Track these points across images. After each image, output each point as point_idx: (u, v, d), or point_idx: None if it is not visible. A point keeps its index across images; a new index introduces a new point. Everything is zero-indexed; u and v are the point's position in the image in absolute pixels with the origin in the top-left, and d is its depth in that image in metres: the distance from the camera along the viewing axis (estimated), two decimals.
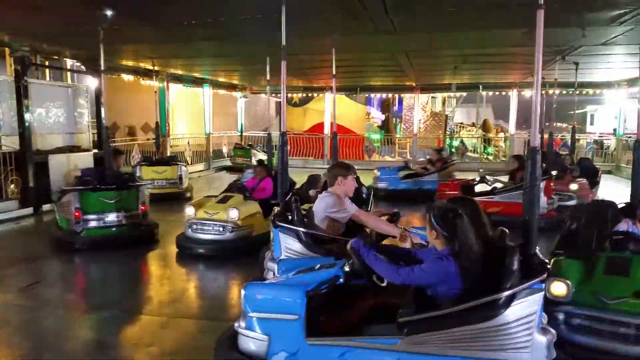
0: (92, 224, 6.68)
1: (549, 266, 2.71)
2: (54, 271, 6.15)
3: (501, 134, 20.51)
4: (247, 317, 2.85)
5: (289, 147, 20.24)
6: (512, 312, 2.53)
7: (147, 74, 13.44)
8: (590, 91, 17.81)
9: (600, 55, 11.22)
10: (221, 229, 6.24)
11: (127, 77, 13.64)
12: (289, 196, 6.31)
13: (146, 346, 3.88)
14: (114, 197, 6.75)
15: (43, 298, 5.03)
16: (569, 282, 3.47)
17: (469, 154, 20.37)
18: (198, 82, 16.67)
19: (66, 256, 6.60)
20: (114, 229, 6.77)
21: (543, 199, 7.74)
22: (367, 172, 11.32)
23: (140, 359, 3.67)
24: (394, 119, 25.81)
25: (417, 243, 3.76)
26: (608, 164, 17.00)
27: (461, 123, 26.88)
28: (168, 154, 13.44)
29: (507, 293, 2.52)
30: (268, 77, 9.24)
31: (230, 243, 6.22)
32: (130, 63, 12.99)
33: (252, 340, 2.84)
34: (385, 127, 24.91)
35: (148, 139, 15.24)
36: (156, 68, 13.13)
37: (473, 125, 25.90)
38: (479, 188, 8.78)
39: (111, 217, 6.75)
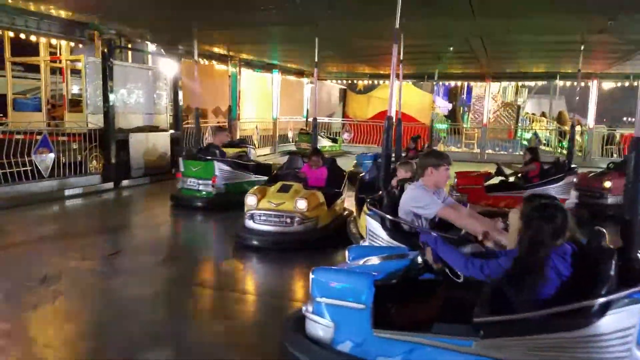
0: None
1: None
2: (133, 241, 6.51)
3: (577, 128, 19.48)
4: (314, 302, 2.79)
5: (352, 134, 20.17)
6: (606, 323, 2.23)
7: (222, 59, 13.85)
8: None
9: None
10: (289, 220, 5.83)
11: (203, 62, 14.11)
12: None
13: (224, 319, 4.02)
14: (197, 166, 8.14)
15: (124, 266, 5.32)
16: None
17: (543, 147, 19.55)
18: (268, 68, 17.00)
19: (145, 229, 7.12)
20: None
21: (574, 193, 7.63)
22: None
23: (219, 330, 3.83)
24: (461, 108, 25.17)
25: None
26: None
27: (533, 114, 25.81)
28: (238, 137, 13.82)
29: (600, 300, 2.24)
30: (316, 59, 8.88)
31: (297, 235, 5.82)
32: (206, 47, 13.43)
33: (319, 325, 2.77)
34: (452, 116, 24.35)
35: (218, 122, 15.71)
36: (230, 53, 13.49)
37: (543, 115, 24.80)
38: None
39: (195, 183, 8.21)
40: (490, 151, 17.88)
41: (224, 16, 9.02)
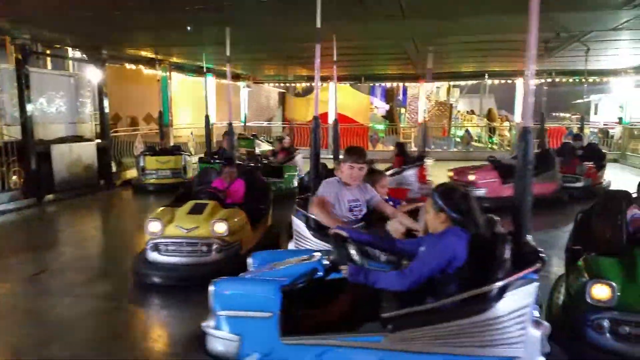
0: None
1: (542, 255, 2.47)
2: (60, 259, 6.05)
3: (506, 123, 20.31)
4: (216, 316, 2.64)
5: (293, 138, 19.90)
6: (504, 305, 2.35)
7: (150, 62, 13.29)
8: (597, 79, 17.61)
9: (610, 42, 11.03)
10: (205, 248, 4.77)
11: (130, 67, 13.49)
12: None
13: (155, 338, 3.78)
14: None
15: (49, 286, 4.98)
16: (613, 284, 3.09)
17: (474, 143, 20.22)
18: (200, 72, 16.50)
19: (71, 245, 6.64)
20: None
21: (416, 185, 8.21)
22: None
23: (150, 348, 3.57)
24: (399, 108, 25.62)
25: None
26: (613, 152, 16.85)
27: (467, 111, 26.65)
28: (171, 144, 13.34)
29: (498, 284, 2.34)
30: (227, 52, 8.75)
31: (216, 266, 4.63)
32: (132, 52, 12.85)
33: (222, 340, 2.61)
34: (389, 116, 24.72)
35: (151, 130, 15.12)
36: (158, 57, 12.98)
37: (472, 112, 25.66)
38: None
39: None
40: (426, 149, 18.23)
41: (149, 17, 8.60)
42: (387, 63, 14.80)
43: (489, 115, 21.17)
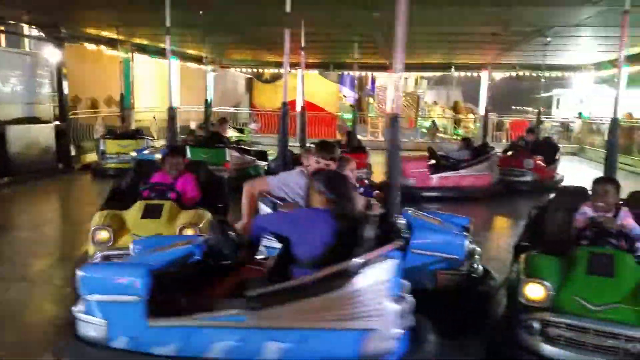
0: None
1: (404, 234, 2.78)
2: (12, 244, 5.84)
3: (471, 115, 20.66)
4: (84, 301, 2.61)
5: (260, 125, 19.87)
6: (362, 281, 2.46)
7: (111, 43, 12.88)
8: (559, 74, 18.07)
9: (571, 37, 11.31)
10: None
11: (90, 47, 13.04)
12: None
13: None
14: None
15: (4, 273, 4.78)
16: (547, 283, 2.97)
17: (440, 134, 20.50)
18: (164, 53, 16.09)
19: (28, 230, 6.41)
20: None
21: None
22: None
23: None
24: (367, 98, 25.69)
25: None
26: (572, 146, 17.36)
27: (434, 102, 26.96)
28: (133, 128, 13.02)
29: (357, 261, 2.45)
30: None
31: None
32: (93, 31, 12.42)
33: (90, 325, 2.58)
34: (358, 106, 24.76)
35: (112, 113, 14.72)
36: (120, 37, 12.59)
37: (435, 103, 25.96)
38: None
39: None
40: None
41: None
42: (356, 52, 14.77)
43: (455, 107, 21.47)
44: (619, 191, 3.56)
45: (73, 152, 11.74)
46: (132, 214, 4.38)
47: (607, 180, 3.73)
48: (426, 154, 9.38)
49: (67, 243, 6.14)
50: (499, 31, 10.43)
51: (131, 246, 3.17)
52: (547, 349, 2.89)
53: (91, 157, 11.66)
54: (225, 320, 2.49)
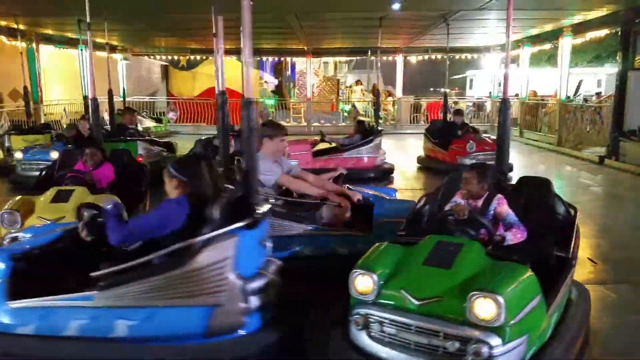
0: None
1: (259, 212, 2.79)
2: None
3: (389, 98, 21.28)
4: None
5: (178, 113, 19.30)
6: (206, 257, 2.60)
7: (11, 33, 12.08)
8: (469, 56, 19.02)
9: (476, 20, 11.95)
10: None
11: None
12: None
13: None
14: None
15: None
16: (374, 275, 2.64)
17: (361, 117, 20.96)
18: (72, 43, 15.31)
19: None
20: None
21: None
22: None
23: None
24: (288, 83, 25.75)
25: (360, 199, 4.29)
26: (485, 125, 18.41)
27: (356, 82, 27.37)
28: (42, 122, 12.36)
29: (197, 239, 2.60)
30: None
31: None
32: None
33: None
34: (279, 91, 24.79)
35: (18, 107, 13.84)
36: (21, 27, 11.85)
37: (358, 82, 26.46)
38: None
39: None
40: (316, 123, 18.63)
41: None
42: (274, 37, 14.82)
43: (374, 91, 21.99)
44: (486, 177, 3.38)
45: None
46: (43, 199, 4.68)
47: (472, 167, 3.50)
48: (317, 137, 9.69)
49: None
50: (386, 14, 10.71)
51: (21, 234, 3.32)
52: (373, 346, 2.59)
53: None
54: (76, 301, 2.62)
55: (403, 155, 12.37)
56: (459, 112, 10.71)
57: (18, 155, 8.66)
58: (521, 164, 8.69)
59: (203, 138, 7.78)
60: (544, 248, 3.10)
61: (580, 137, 12.91)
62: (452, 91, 31.37)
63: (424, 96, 24.81)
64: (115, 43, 17.05)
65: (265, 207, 2.93)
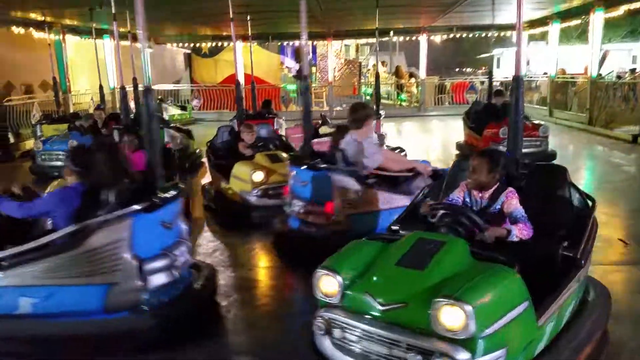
0: None
1: (161, 196, 3.07)
2: None
3: (412, 80, 21.00)
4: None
5: (202, 101, 19.54)
6: (98, 240, 2.83)
7: (39, 25, 12.31)
8: (495, 34, 18.60)
9: None
10: None
11: (18, 30, 12.43)
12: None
13: None
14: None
15: None
16: (338, 276, 2.37)
17: (384, 100, 20.75)
18: (98, 33, 15.52)
19: None
20: None
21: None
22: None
23: None
24: (309, 68, 25.62)
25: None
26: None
27: (374, 65, 27.09)
28: (71, 112, 12.64)
29: (90, 222, 2.84)
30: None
31: None
32: (20, 14, 11.85)
33: None
34: (300, 76, 24.68)
35: (48, 97, 14.17)
36: (48, 19, 12.05)
37: (383, 63, 26.17)
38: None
39: None
40: (338, 107, 18.52)
41: None
42: (294, 21, 14.68)
43: (397, 73, 21.74)
44: (498, 166, 2.97)
45: (12, 140, 11.49)
46: None
47: (480, 154, 3.08)
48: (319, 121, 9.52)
49: None
50: None
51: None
52: (334, 354, 2.37)
53: (30, 143, 11.30)
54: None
55: (427, 139, 12.23)
56: (499, 93, 9.58)
57: (38, 145, 8.85)
58: (550, 144, 8.48)
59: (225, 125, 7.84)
60: (546, 247, 2.77)
61: (613, 115, 12.53)
62: (479, 71, 30.82)
63: (449, 76, 24.37)
64: (139, 31, 17.17)
65: (172, 192, 3.20)
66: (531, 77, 18.62)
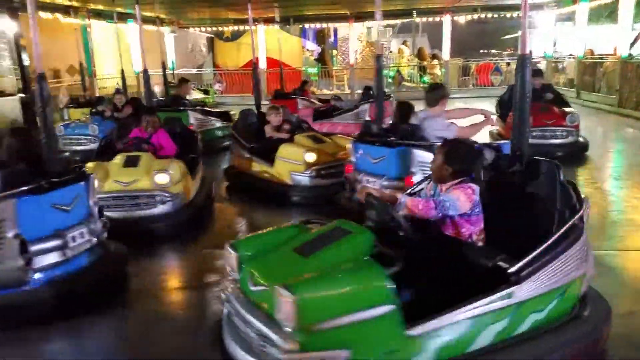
0: None
1: (54, 179, 3.30)
2: None
3: (435, 62, 20.73)
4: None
5: (225, 84, 19.68)
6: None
7: (66, 10, 12.50)
8: (521, 13, 18.16)
9: None
10: (148, 200, 4.77)
11: (46, 16, 12.63)
12: None
13: None
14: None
15: None
16: (235, 255, 2.49)
17: (406, 83, 20.58)
18: (122, 18, 15.68)
19: None
20: None
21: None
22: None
23: None
24: (331, 50, 25.47)
25: None
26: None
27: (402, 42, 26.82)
28: (97, 95, 12.86)
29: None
30: None
31: (163, 219, 4.82)
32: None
33: None
34: (321, 59, 24.58)
35: (75, 82, 14.43)
36: (74, 4, 12.22)
37: (405, 43, 25.86)
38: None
39: None
40: (359, 90, 18.39)
41: None
42: (315, 3, 14.62)
43: (420, 54, 21.47)
44: (456, 160, 2.74)
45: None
46: (115, 164, 5.03)
47: (442, 143, 2.93)
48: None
49: None
50: None
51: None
52: (224, 324, 2.50)
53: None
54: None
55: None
56: (538, 73, 8.35)
57: (59, 130, 8.67)
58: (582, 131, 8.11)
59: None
60: (483, 254, 2.56)
61: None
62: (504, 52, 30.23)
63: (473, 58, 23.93)
64: (162, 16, 17.30)
65: (67, 176, 3.38)
66: (558, 59, 18.21)
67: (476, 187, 2.70)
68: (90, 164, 4.94)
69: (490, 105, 8.87)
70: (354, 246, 2.33)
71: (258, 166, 6.25)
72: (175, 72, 18.71)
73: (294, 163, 5.80)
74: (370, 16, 19.12)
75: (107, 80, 15.86)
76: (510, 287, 2.32)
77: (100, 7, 14.10)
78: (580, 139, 7.54)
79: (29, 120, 10.63)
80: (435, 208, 2.59)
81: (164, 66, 9.88)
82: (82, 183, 3.54)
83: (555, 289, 2.48)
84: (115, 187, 4.76)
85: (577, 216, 2.56)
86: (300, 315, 1.98)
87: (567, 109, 7.70)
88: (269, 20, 17.23)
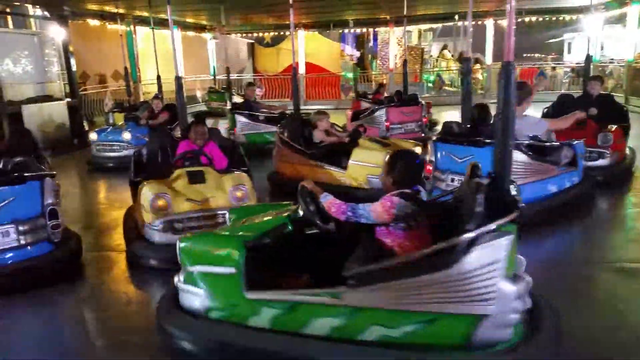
0: None
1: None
2: None
3: (477, 66, 20.38)
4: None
5: (264, 90, 19.84)
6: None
7: (112, 17, 12.98)
8: (567, 17, 17.71)
9: None
10: (223, 219, 4.28)
11: (93, 23, 13.18)
12: None
13: None
14: None
15: None
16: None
17: (447, 87, 20.33)
18: (166, 24, 16.15)
19: None
20: None
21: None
22: (343, 112, 11.31)
23: None
24: (370, 55, 25.44)
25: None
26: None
27: (442, 50, 26.55)
28: (141, 100, 13.28)
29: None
30: None
31: None
32: (95, 7, 12.52)
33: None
34: (360, 64, 24.58)
35: (120, 87, 14.94)
36: (121, 11, 12.68)
37: (445, 47, 25.47)
38: None
39: None
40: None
41: None
42: (355, 8, 14.66)
43: (460, 59, 21.16)
44: (394, 170, 2.77)
45: (86, 127, 12.02)
46: (180, 182, 4.48)
47: (395, 153, 2.98)
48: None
49: (90, 213, 6.48)
50: None
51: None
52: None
53: None
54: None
55: None
56: (596, 79, 7.11)
57: (93, 136, 8.61)
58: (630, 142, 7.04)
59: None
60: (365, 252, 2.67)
61: None
62: (548, 56, 29.44)
63: (517, 62, 23.41)
64: (204, 22, 17.71)
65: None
66: (603, 63, 17.60)
67: (399, 201, 2.62)
68: (149, 184, 4.39)
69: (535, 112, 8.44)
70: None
71: (322, 171, 5.96)
72: (216, 77, 19.12)
73: (372, 166, 5.65)
74: (410, 20, 19.03)
75: (150, 85, 16.35)
76: (340, 288, 2.42)
77: (145, 13, 14.58)
78: (626, 159, 6.47)
79: (75, 123, 11.09)
80: (345, 213, 2.69)
81: (228, 71, 10.10)
82: (17, 187, 4.04)
83: (412, 313, 2.31)
84: (189, 206, 4.27)
85: (450, 241, 2.25)
86: (180, 256, 2.79)
87: (609, 127, 6.16)
88: (309, 26, 17.40)
